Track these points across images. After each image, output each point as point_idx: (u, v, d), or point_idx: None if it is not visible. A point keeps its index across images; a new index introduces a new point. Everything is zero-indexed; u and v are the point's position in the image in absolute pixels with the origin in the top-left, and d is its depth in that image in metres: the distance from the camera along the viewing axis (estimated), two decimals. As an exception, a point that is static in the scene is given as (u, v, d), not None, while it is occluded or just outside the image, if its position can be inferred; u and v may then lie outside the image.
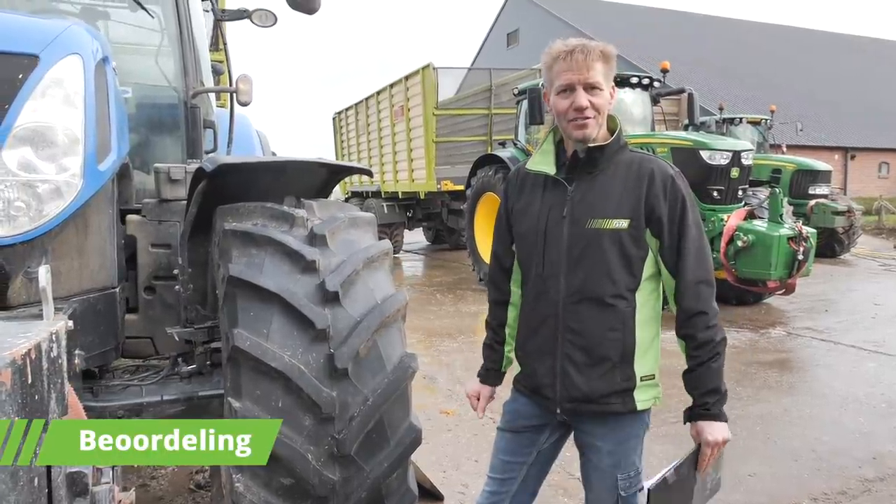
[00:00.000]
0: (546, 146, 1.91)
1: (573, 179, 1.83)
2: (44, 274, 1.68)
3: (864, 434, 4.14)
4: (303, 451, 1.93)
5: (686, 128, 10.65)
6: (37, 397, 1.12)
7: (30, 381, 1.08)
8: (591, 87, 1.74)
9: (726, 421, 1.77)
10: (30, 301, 1.97)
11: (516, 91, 10.15)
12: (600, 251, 1.75)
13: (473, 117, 12.92)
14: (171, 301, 2.69)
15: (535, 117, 8.59)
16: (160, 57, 3.47)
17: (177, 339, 2.48)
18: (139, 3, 3.30)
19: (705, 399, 1.75)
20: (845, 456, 3.81)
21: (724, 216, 7.68)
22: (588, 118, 1.75)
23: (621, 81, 9.09)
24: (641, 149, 9.09)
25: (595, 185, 1.80)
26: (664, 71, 9.35)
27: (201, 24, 3.91)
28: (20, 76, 1.83)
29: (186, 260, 2.49)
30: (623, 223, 1.74)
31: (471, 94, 13.20)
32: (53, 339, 1.22)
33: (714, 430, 1.74)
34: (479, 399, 2.16)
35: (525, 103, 9.27)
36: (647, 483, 1.72)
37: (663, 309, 1.85)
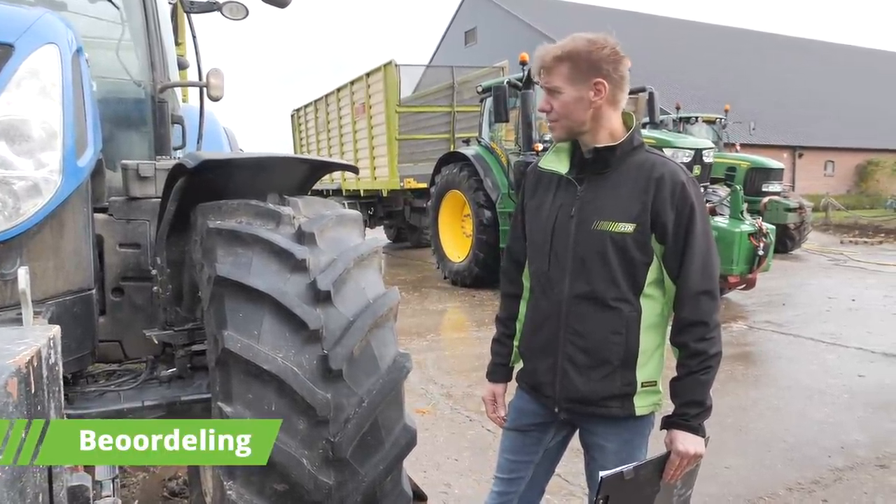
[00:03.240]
0: (561, 145, 1.89)
1: (584, 179, 1.80)
2: (23, 275, 1.59)
3: (831, 424, 4.27)
4: (297, 455, 1.87)
5: (645, 126, 10.84)
6: (39, 407, 1.05)
7: (33, 389, 1.01)
8: (549, 91, 1.76)
9: (704, 437, 1.71)
10: (5, 304, 1.85)
11: (480, 88, 10.16)
12: (604, 253, 1.72)
13: (436, 115, 12.89)
14: (141, 302, 2.59)
15: (500, 115, 8.61)
16: (125, 50, 3.34)
17: (156, 342, 2.38)
18: (101, -7, 3.16)
19: (686, 409, 1.70)
20: (814, 446, 3.92)
21: (686, 213, 7.84)
22: (552, 121, 1.79)
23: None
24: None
25: (604, 185, 1.77)
26: (626, 69, 9.47)
27: (167, 17, 3.79)
28: (-7, 66, 1.72)
29: (165, 260, 2.39)
30: (629, 227, 1.71)
31: (433, 92, 13.17)
32: (52, 344, 1.14)
33: (687, 442, 1.69)
34: (494, 402, 2.10)
35: (490, 101, 9.28)
36: (603, 472, 1.69)
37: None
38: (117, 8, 3.33)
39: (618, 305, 1.73)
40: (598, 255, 1.73)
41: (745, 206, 7.92)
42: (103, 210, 2.62)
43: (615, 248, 1.72)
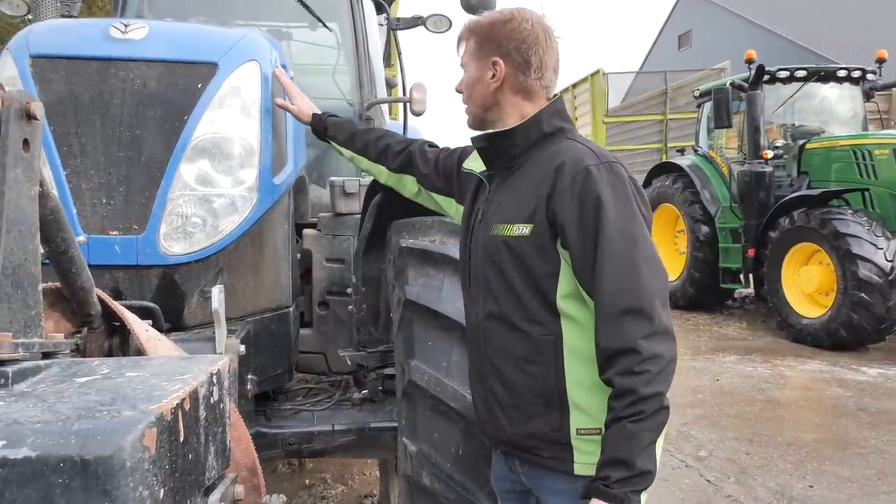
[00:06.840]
0: None
1: (494, 176, 1.52)
2: (217, 295, 1.56)
3: None
4: (484, 508, 1.65)
5: (903, 126, 9.19)
6: (191, 456, 0.93)
7: (182, 438, 0.89)
8: (463, 69, 1.55)
9: None
10: (206, 321, 1.89)
11: (697, 93, 9.34)
12: (501, 262, 1.41)
13: (646, 124, 12.20)
14: (344, 317, 2.58)
15: (721, 120, 7.79)
16: (339, 72, 3.49)
17: (349, 363, 2.33)
18: (318, 19, 3.29)
19: (607, 471, 1.23)
20: None
21: (963, 229, 6.41)
22: (463, 104, 1.56)
23: (826, 76, 8.02)
24: (854, 151, 7.77)
25: (508, 182, 1.47)
26: (880, 61, 8.09)
27: (376, 39, 3.91)
28: (199, 85, 1.76)
29: (361, 278, 2.34)
30: (525, 229, 1.38)
31: (643, 100, 12.47)
32: (214, 381, 1.03)
33: None
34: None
35: (708, 105, 8.49)
36: None
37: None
38: (330, 31, 3.47)
39: (526, 328, 1.38)
40: (498, 265, 1.42)
41: None
42: (313, 226, 2.67)
43: (512, 256, 1.39)
